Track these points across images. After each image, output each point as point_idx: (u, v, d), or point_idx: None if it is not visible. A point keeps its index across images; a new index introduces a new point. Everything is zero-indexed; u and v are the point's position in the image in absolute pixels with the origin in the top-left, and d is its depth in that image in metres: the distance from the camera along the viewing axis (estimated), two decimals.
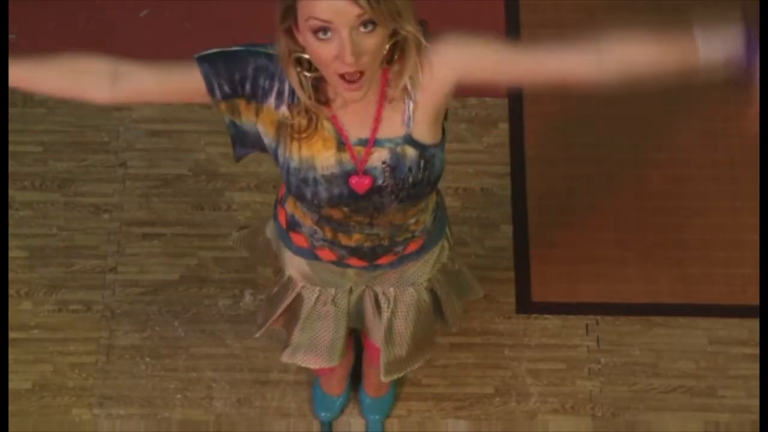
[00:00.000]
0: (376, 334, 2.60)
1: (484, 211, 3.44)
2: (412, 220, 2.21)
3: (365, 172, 2.00)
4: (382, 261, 2.31)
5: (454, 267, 2.56)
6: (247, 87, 1.95)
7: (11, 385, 3.20)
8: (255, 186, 3.46)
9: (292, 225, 2.31)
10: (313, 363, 2.66)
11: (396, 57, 1.91)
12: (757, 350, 3.24)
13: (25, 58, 2.09)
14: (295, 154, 2.00)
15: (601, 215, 3.44)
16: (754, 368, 3.23)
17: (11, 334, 3.26)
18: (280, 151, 2.01)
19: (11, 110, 3.55)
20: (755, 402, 3.18)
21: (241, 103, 1.97)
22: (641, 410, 3.21)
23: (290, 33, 1.86)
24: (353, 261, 2.29)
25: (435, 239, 2.37)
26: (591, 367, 3.26)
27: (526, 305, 3.33)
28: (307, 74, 1.90)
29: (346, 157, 1.99)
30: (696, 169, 3.50)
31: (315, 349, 2.62)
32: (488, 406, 3.22)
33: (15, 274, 3.35)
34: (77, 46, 3.64)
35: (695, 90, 3.61)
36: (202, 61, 1.96)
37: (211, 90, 1.95)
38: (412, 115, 1.96)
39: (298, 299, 2.52)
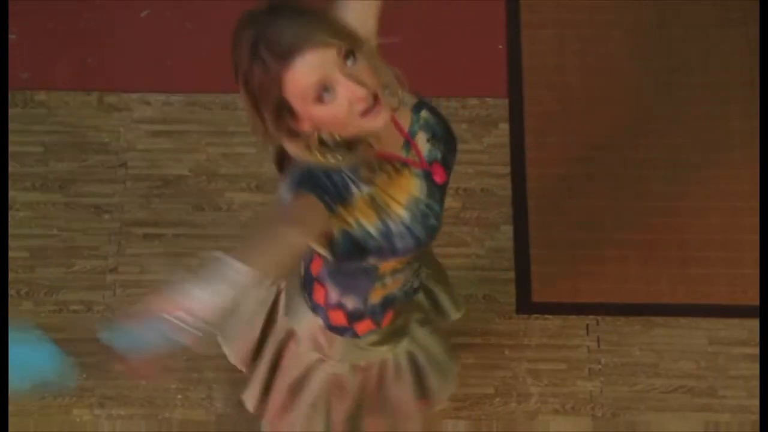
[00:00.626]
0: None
1: (484, 211, 3.44)
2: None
3: (429, 161, 2.04)
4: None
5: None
6: (337, 192, 1.90)
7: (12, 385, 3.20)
8: (256, 186, 3.46)
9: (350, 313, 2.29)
10: None
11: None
12: (757, 350, 3.24)
13: None
14: (397, 207, 1.98)
15: (601, 215, 3.44)
16: (755, 368, 3.24)
17: None
18: (389, 222, 1.97)
19: (12, 110, 3.55)
20: (756, 402, 3.18)
21: (340, 208, 1.92)
22: (642, 410, 3.21)
23: (292, 132, 1.82)
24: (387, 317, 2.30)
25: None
26: (591, 367, 3.26)
27: (526, 305, 3.33)
28: (338, 138, 1.84)
29: (413, 174, 2.01)
30: (696, 169, 3.50)
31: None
32: (488, 406, 3.22)
33: (16, 274, 3.35)
34: (77, 46, 3.66)
35: (696, 90, 3.63)
36: (312, 191, 1.88)
37: (328, 208, 1.89)
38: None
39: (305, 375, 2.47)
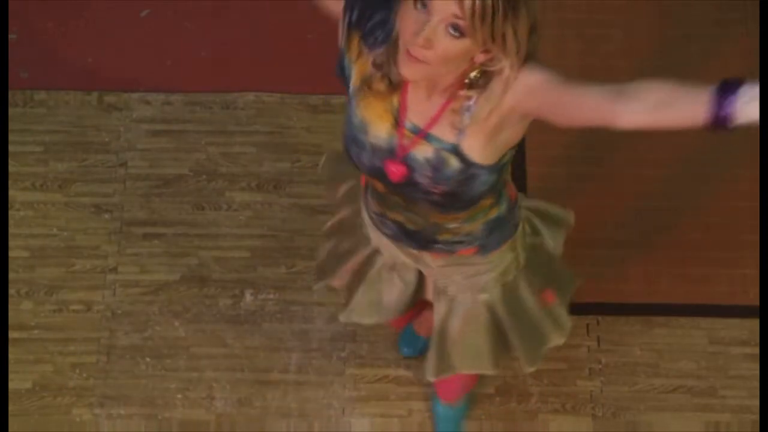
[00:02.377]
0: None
1: None
2: (452, 225, 2.20)
3: (405, 160, 2.01)
4: (432, 254, 2.30)
5: (520, 295, 2.48)
6: (367, 27, 1.96)
7: (12, 385, 3.20)
8: (256, 186, 3.46)
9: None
10: (370, 319, 2.62)
11: (479, 81, 1.90)
12: (757, 350, 3.24)
13: None
14: (360, 112, 2.01)
15: (601, 215, 3.44)
16: (755, 368, 3.24)
17: (12, 334, 3.26)
18: (353, 104, 2.02)
19: (12, 110, 3.55)
20: (756, 402, 3.18)
21: (355, 39, 1.99)
22: (642, 410, 3.21)
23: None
24: (403, 242, 2.29)
25: (491, 248, 2.33)
26: (592, 367, 3.26)
27: None
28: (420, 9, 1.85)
29: (395, 136, 2.00)
30: (697, 169, 3.50)
31: (374, 308, 2.58)
32: (489, 405, 3.22)
33: (15, 273, 3.35)
34: (77, 46, 3.66)
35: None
36: None
37: (345, 7, 1.97)
38: (465, 128, 1.95)
39: (368, 260, 2.49)
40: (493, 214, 2.24)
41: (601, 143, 3.54)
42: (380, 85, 1.98)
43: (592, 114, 1.88)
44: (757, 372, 3.22)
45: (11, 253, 3.35)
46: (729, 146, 3.54)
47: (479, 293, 2.43)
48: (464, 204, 2.08)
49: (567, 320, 2.61)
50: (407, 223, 2.23)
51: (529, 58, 1.88)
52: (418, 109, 1.98)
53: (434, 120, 1.97)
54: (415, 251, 2.34)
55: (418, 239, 2.27)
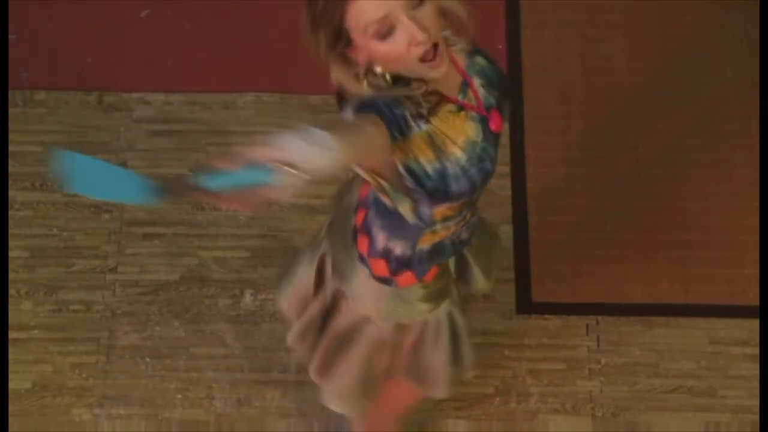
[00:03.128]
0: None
1: (484, 211, 3.37)
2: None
3: (486, 108, 2.04)
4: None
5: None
6: (398, 126, 1.91)
7: (11, 385, 3.20)
8: None
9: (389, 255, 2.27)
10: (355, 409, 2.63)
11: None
12: (757, 350, 3.24)
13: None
14: (455, 149, 1.99)
15: (601, 215, 3.44)
16: (755, 368, 3.24)
17: (11, 334, 3.26)
18: (446, 162, 1.98)
19: (12, 110, 3.55)
20: (756, 402, 3.18)
21: (416, 135, 1.96)
22: (642, 410, 3.21)
23: (345, 59, 1.86)
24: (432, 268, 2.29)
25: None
26: (591, 367, 3.26)
27: (526, 305, 3.32)
28: (387, 75, 1.88)
29: (468, 117, 2.01)
30: (696, 169, 3.50)
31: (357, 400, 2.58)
32: (488, 406, 3.22)
33: (15, 273, 3.35)
34: (77, 46, 3.66)
35: (696, 90, 3.63)
36: (375, 113, 1.88)
37: (391, 136, 1.89)
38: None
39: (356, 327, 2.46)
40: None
41: (601, 143, 3.54)
42: (419, 104, 1.94)
43: None
44: (757, 372, 3.22)
45: (11, 253, 3.35)
46: (728, 146, 3.54)
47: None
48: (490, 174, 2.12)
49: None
50: (461, 233, 2.26)
51: None
52: (449, 87, 2.00)
53: (464, 74, 2.03)
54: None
55: (460, 244, 2.31)
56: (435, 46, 1.84)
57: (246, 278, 3.34)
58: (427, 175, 1.97)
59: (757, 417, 3.16)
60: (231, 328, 3.29)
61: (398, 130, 1.90)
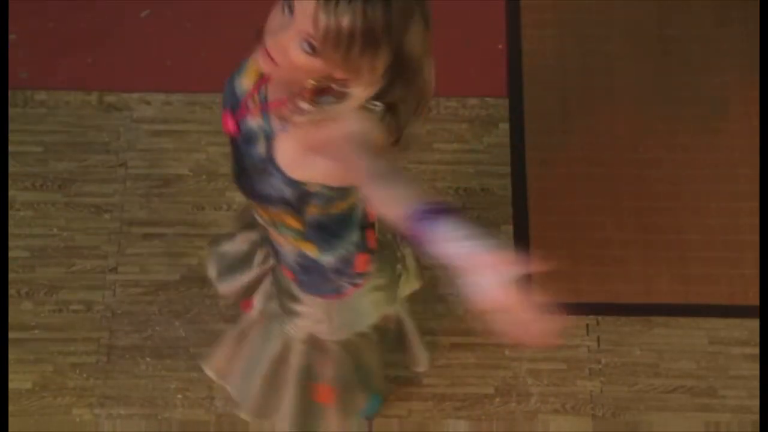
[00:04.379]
0: None
1: (484, 211, 3.44)
2: (264, 217, 2.17)
3: (239, 119, 2.01)
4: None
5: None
6: None
7: (12, 385, 3.20)
8: None
9: None
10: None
11: (323, 96, 1.85)
12: (757, 350, 3.25)
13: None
14: (247, 66, 2.07)
15: (601, 215, 3.44)
16: (755, 368, 3.24)
17: (12, 334, 3.26)
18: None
19: (12, 110, 3.55)
20: (756, 402, 3.18)
21: None
22: (642, 410, 3.21)
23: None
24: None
25: (308, 289, 2.33)
26: (591, 367, 3.26)
27: None
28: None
29: (247, 91, 2.02)
30: (696, 169, 3.50)
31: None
32: (488, 406, 3.22)
33: (16, 274, 3.35)
34: (77, 46, 3.66)
35: (697, 90, 3.63)
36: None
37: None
38: (287, 126, 1.92)
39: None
40: (306, 248, 2.20)
41: (601, 143, 3.54)
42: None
43: (356, 181, 1.85)
44: (757, 372, 3.22)
45: (11, 253, 3.35)
46: (729, 146, 3.54)
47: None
48: (262, 197, 2.03)
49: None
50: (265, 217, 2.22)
51: (391, 101, 1.82)
52: (276, 87, 1.96)
53: (276, 104, 1.94)
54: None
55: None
56: (273, 60, 1.79)
57: None
58: None
59: (757, 417, 3.17)
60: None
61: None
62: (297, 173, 1.96)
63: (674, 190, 3.48)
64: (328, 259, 2.22)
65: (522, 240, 3.40)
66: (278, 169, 1.96)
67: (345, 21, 1.68)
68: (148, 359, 3.26)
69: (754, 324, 3.28)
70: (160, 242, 3.40)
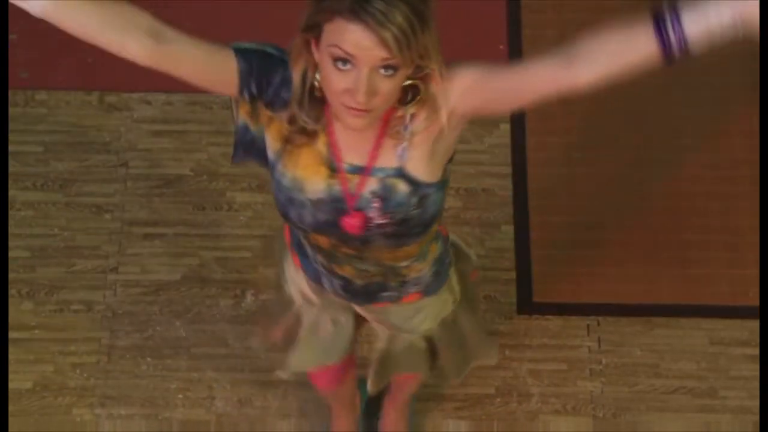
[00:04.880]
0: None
1: (485, 211, 3.44)
2: (404, 263, 2.13)
3: (359, 206, 1.93)
4: (378, 304, 2.26)
5: (458, 323, 2.46)
6: (270, 93, 1.88)
7: (12, 385, 3.20)
8: (257, 186, 3.45)
9: (295, 245, 2.26)
10: (312, 364, 2.63)
11: (409, 98, 1.84)
12: (758, 351, 3.25)
13: None
14: (289, 171, 1.93)
15: (602, 215, 3.44)
16: (755, 369, 3.24)
17: (12, 334, 3.26)
18: (278, 167, 1.94)
19: (12, 110, 3.55)
20: (756, 403, 3.18)
21: (261, 108, 1.91)
22: (642, 411, 3.21)
23: (308, 45, 1.79)
24: (348, 297, 2.25)
25: (432, 291, 2.29)
26: (592, 367, 3.26)
27: (527, 306, 3.33)
28: (316, 83, 1.82)
29: (336, 184, 1.92)
30: (697, 169, 3.50)
31: (314, 354, 2.56)
32: (489, 406, 3.22)
33: (16, 274, 3.34)
34: (77, 46, 3.65)
35: (697, 90, 3.63)
36: (240, 55, 1.87)
37: (241, 87, 1.88)
38: (406, 150, 1.89)
39: (297, 320, 2.48)
40: (436, 251, 2.20)
41: (602, 144, 3.55)
42: (301, 138, 1.90)
43: (549, 86, 1.86)
44: (758, 373, 3.22)
45: (12, 253, 3.35)
46: (729, 146, 3.54)
47: (417, 329, 2.41)
48: (421, 229, 1.99)
49: (496, 342, 2.79)
50: (356, 279, 2.17)
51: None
52: (352, 147, 1.90)
53: (374, 152, 1.90)
54: (358, 305, 2.31)
55: (365, 293, 2.22)
56: (368, 111, 1.77)
57: (248, 278, 3.33)
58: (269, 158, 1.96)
59: (757, 418, 3.17)
60: (232, 329, 3.29)
61: (254, 91, 1.88)
62: (439, 170, 1.95)
63: (674, 190, 3.49)
64: (439, 241, 2.23)
65: (523, 240, 3.40)
66: (429, 185, 1.94)
67: (398, 19, 1.69)
68: (148, 359, 3.26)
69: (755, 324, 3.28)
70: (160, 242, 3.40)
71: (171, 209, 3.44)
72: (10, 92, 3.57)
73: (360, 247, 2.04)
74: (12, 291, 3.32)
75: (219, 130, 3.53)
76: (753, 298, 3.30)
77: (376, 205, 1.93)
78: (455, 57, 3.77)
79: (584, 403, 3.22)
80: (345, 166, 1.92)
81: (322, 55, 1.76)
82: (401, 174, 1.91)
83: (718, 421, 3.20)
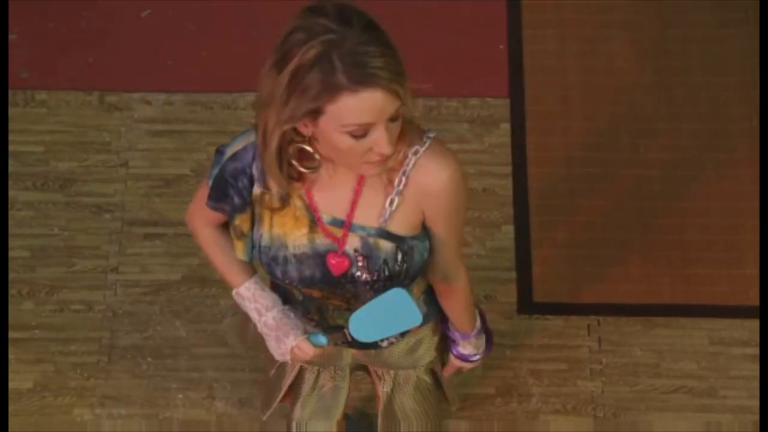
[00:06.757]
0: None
1: (485, 211, 3.44)
2: None
3: (346, 253, 1.94)
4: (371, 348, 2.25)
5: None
6: (236, 198, 1.94)
7: (12, 385, 3.20)
8: None
9: (285, 301, 2.23)
10: (323, 427, 2.60)
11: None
12: (758, 351, 3.25)
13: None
14: (266, 232, 1.94)
15: (602, 215, 3.44)
16: (756, 369, 3.24)
17: (12, 334, 3.26)
18: (255, 228, 1.96)
19: (12, 110, 3.55)
20: (756, 403, 3.18)
21: (244, 213, 1.99)
22: (642, 411, 3.21)
23: (295, 127, 1.77)
24: (349, 344, 2.22)
25: (430, 317, 2.28)
26: (592, 367, 3.26)
27: (527, 306, 3.33)
28: (294, 162, 1.82)
29: (319, 236, 1.93)
30: (697, 169, 3.50)
31: (320, 414, 2.56)
32: (489, 406, 3.22)
33: (16, 274, 3.35)
34: (77, 46, 3.66)
35: (696, 90, 3.64)
36: (209, 200, 2.00)
37: (229, 215, 1.99)
38: (390, 213, 1.90)
39: (299, 377, 2.47)
40: (422, 284, 2.19)
41: (601, 144, 3.55)
42: (277, 203, 1.91)
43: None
44: (758, 372, 3.22)
45: (12, 253, 3.35)
46: (729, 146, 3.54)
47: (419, 363, 2.40)
48: (409, 281, 2.00)
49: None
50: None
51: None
52: (330, 201, 1.91)
53: (353, 205, 1.91)
54: (361, 350, 2.30)
55: (364, 343, 2.19)
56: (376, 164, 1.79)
57: None
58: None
59: (757, 417, 3.17)
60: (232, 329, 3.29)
61: (235, 209, 1.96)
62: (417, 223, 1.95)
63: (674, 190, 3.49)
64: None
65: (523, 240, 3.40)
66: (415, 238, 1.94)
67: (394, 64, 1.69)
68: (149, 359, 3.26)
69: (755, 324, 3.28)
70: (161, 242, 3.40)
71: (171, 209, 3.44)
72: (10, 92, 3.57)
73: (349, 299, 2.05)
74: (12, 291, 3.32)
75: (219, 130, 3.53)
76: (753, 298, 3.31)
77: (360, 263, 1.94)
78: (455, 57, 3.79)
79: (584, 402, 3.22)
80: (325, 217, 1.92)
81: (330, 133, 1.74)
82: (383, 234, 1.92)
83: (718, 420, 3.19)
